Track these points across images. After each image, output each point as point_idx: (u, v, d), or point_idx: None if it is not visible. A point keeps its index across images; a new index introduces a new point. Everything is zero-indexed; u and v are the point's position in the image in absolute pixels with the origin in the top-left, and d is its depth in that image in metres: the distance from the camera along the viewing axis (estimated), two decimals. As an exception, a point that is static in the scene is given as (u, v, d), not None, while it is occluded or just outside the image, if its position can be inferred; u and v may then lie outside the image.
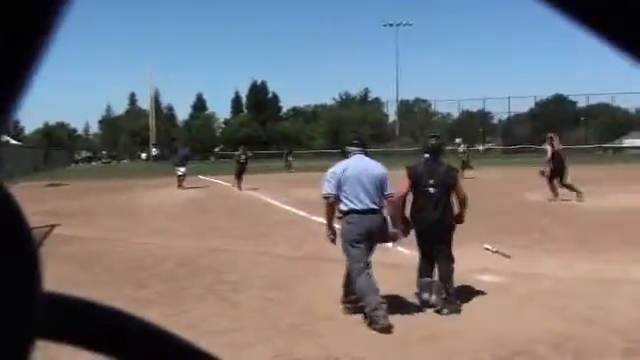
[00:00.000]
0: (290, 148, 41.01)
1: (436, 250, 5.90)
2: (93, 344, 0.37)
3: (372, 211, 5.59)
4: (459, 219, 6.03)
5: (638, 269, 7.15)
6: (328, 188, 5.66)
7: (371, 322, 5.26)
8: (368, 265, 5.57)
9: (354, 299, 5.62)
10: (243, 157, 22.35)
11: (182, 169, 22.49)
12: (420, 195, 5.91)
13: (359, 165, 5.72)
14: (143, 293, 6.72)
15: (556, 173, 15.04)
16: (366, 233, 5.55)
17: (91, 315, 0.37)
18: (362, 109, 72.24)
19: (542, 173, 15.41)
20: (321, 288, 6.69)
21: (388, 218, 5.74)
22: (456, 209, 6.06)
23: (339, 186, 5.60)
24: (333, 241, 5.85)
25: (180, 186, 21.89)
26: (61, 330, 0.36)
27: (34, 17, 0.25)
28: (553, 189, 15.05)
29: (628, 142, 62.49)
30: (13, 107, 0.26)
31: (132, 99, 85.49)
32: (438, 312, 5.68)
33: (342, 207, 5.63)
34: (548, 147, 15.42)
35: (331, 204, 5.67)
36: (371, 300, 5.31)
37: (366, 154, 5.96)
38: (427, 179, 5.87)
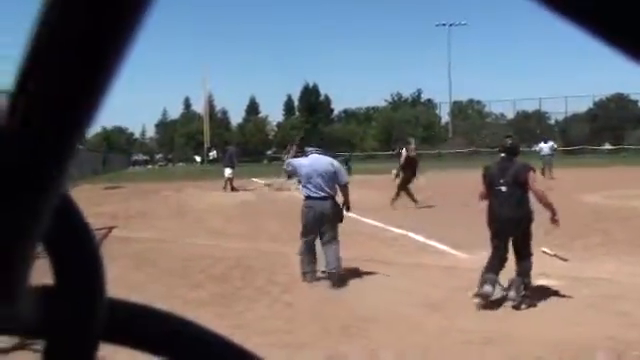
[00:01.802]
0: (349, 153, 39.65)
1: (514, 247, 6.05)
2: (148, 347, 0.37)
3: (323, 199, 7.10)
4: (552, 216, 6.08)
5: None
6: (290, 167, 7.78)
7: (303, 278, 7.11)
8: (331, 240, 7.15)
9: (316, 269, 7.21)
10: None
11: (229, 171, 22.45)
12: (493, 194, 6.13)
13: (312, 163, 7.29)
14: (197, 294, 6.81)
15: (408, 178, 15.02)
16: (319, 215, 7.11)
17: (147, 319, 0.38)
18: (414, 110, 71.58)
19: (396, 176, 15.34)
20: (373, 290, 6.65)
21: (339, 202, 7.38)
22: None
23: (295, 172, 7.60)
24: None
25: (225, 188, 21.89)
26: (119, 333, 0.36)
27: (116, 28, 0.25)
28: (409, 195, 14.95)
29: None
30: (94, 115, 0.27)
31: (187, 103, 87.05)
32: (516, 308, 5.76)
33: (302, 194, 7.30)
34: (403, 152, 15.52)
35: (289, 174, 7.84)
36: (305, 266, 7.17)
37: (325, 153, 7.57)
38: (499, 178, 6.07)
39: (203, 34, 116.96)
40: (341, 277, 7.10)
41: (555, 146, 24.80)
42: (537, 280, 6.57)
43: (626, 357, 4.47)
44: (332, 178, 7.21)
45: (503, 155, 6.28)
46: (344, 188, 7.40)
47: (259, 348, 0.39)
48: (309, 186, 7.21)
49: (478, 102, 74.52)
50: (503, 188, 6.01)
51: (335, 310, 5.95)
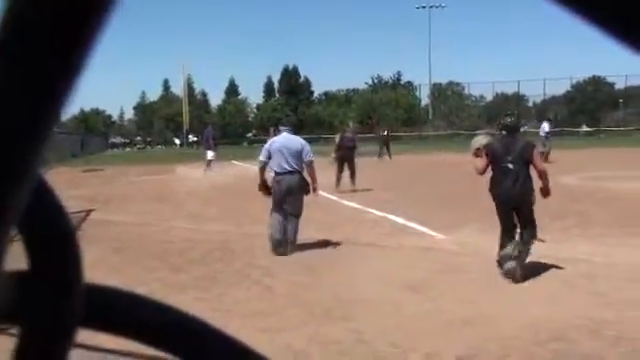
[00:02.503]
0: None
1: (522, 219, 6.30)
2: (126, 333, 0.37)
3: (289, 172, 7.78)
4: (545, 193, 6.40)
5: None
6: (261, 157, 8.03)
7: (272, 248, 7.75)
8: (293, 213, 7.84)
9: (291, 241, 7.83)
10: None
11: (210, 153, 22.08)
12: (499, 171, 6.32)
13: (283, 140, 7.99)
14: (177, 277, 6.80)
15: (341, 162, 15.00)
16: (286, 187, 7.79)
17: (126, 304, 0.37)
18: (394, 93, 71.62)
19: (334, 159, 15.28)
20: (354, 272, 6.68)
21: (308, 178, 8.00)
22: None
23: (269, 155, 7.91)
24: (267, 193, 8.02)
25: (206, 169, 21.51)
26: (97, 319, 0.36)
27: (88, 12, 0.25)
28: (338, 179, 14.94)
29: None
30: (67, 99, 0.27)
31: (166, 85, 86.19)
32: (514, 278, 6.01)
33: (273, 170, 7.93)
34: (337, 138, 15.61)
35: (262, 168, 8.04)
36: (273, 233, 7.79)
37: (294, 132, 8.33)
38: (505, 155, 6.27)
39: (182, 16, 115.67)
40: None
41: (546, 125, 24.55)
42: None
43: (601, 336, 4.55)
44: (299, 155, 7.89)
45: (504, 133, 6.49)
46: (309, 165, 8.03)
47: (240, 331, 0.39)
48: (280, 161, 7.85)
49: (457, 84, 74.70)
50: (510, 165, 6.22)
51: (316, 293, 5.98)
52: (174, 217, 11.53)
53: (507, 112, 7.48)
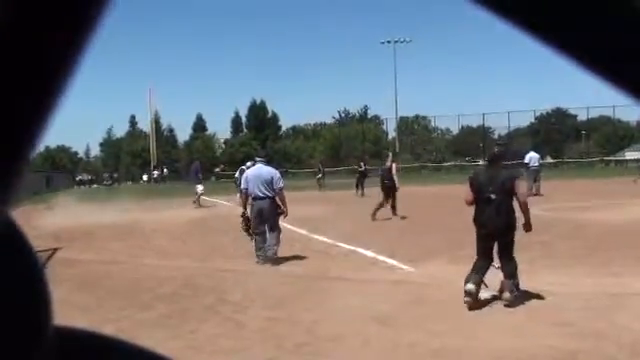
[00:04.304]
0: (322, 166, 36.21)
1: (500, 251, 6.37)
2: None
3: (262, 198, 9.38)
4: (526, 227, 6.48)
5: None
6: (242, 185, 9.79)
7: (256, 259, 9.41)
8: (264, 232, 9.47)
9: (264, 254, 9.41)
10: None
11: (200, 187, 23.10)
12: (482, 201, 6.37)
13: (256, 171, 9.64)
14: (147, 315, 6.72)
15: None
16: (259, 210, 9.43)
17: (100, 348, 0.37)
18: (361, 126, 72.41)
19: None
20: (324, 307, 6.69)
21: (279, 202, 9.56)
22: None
23: (247, 183, 9.55)
24: (247, 218, 9.74)
25: (196, 202, 22.66)
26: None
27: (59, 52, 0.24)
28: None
29: (629, 155, 62.42)
30: (39, 138, 0.26)
31: (132, 121, 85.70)
32: (509, 306, 6.14)
33: (250, 195, 9.53)
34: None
35: (243, 193, 9.78)
36: (256, 250, 9.49)
37: (268, 163, 9.99)
38: (487, 186, 6.34)
39: (149, 52, 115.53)
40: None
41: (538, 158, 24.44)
42: (482, 293, 6.75)
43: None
44: (271, 183, 9.44)
45: (489, 164, 6.61)
46: (280, 192, 9.57)
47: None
48: (254, 189, 9.45)
49: (424, 117, 75.91)
50: (493, 196, 6.27)
51: (287, 328, 5.97)
52: (142, 254, 11.40)
53: (498, 141, 7.63)
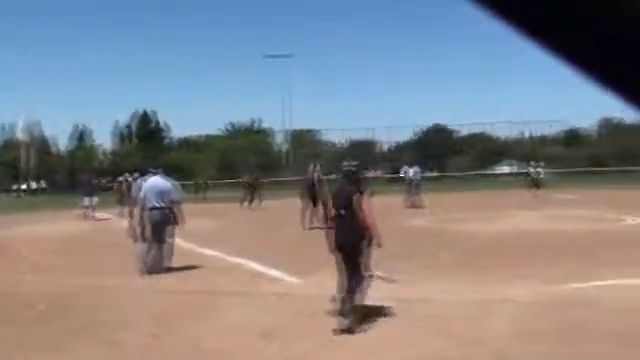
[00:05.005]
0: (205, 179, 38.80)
1: (348, 268, 6.23)
2: None
3: (157, 208, 9.72)
4: (376, 243, 6.28)
5: (513, 288, 7.56)
6: (141, 194, 9.92)
7: (140, 268, 9.48)
8: (155, 243, 9.65)
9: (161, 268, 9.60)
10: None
11: (87, 199, 22.76)
12: (336, 217, 6.34)
13: (152, 182, 9.99)
14: (24, 334, 6.27)
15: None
16: (155, 220, 9.71)
17: None
18: (249, 139, 72.29)
19: None
20: (210, 321, 6.56)
21: (177, 212, 10.02)
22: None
23: (145, 193, 9.82)
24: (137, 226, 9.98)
25: (86, 217, 22.13)
26: None
27: None
28: None
29: (499, 169, 66.52)
30: None
31: (8, 130, 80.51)
32: (349, 331, 5.87)
33: (147, 205, 9.76)
34: None
35: (142, 205, 9.86)
36: (146, 259, 9.55)
37: (166, 175, 10.39)
38: (337, 201, 6.36)
39: (25, 59, 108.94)
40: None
41: (419, 170, 24.97)
42: (366, 303, 6.87)
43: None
44: (167, 195, 9.85)
45: (342, 179, 6.62)
46: (177, 204, 10.10)
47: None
48: (150, 199, 9.73)
49: (313, 131, 76.93)
50: (342, 211, 6.26)
51: (171, 345, 5.78)
52: (12, 270, 10.68)
53: (346, 159, 7.63)
